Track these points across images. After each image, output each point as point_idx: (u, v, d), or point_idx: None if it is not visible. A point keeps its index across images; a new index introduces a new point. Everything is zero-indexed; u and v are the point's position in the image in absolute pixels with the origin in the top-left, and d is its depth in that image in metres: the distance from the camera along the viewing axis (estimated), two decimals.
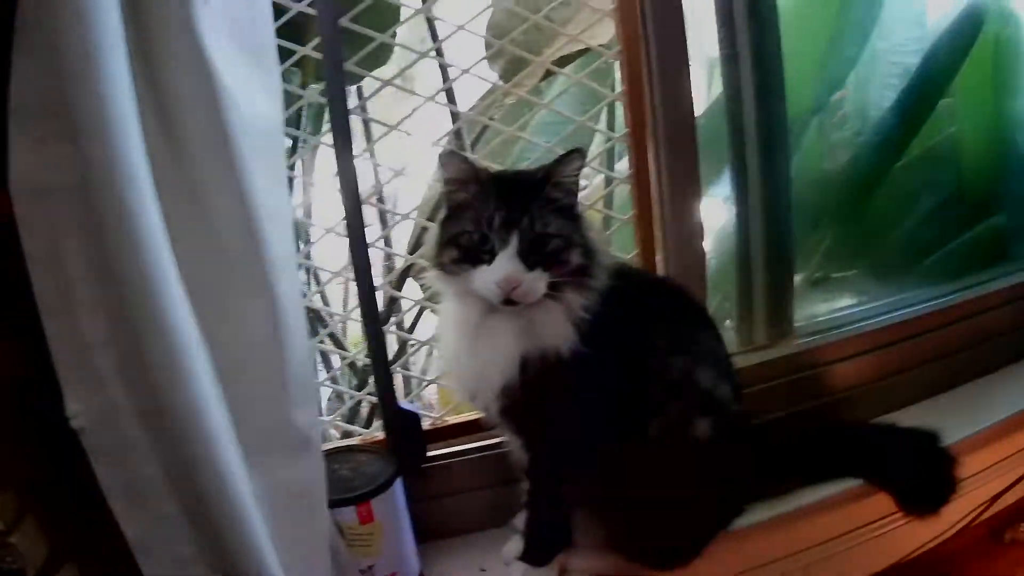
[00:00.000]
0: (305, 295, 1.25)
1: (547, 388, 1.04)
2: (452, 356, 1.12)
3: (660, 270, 1.35)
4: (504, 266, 0.97)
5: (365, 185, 1.23)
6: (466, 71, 1.25)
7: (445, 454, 1.31)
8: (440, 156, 1.04)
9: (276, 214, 0.90)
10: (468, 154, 1.12)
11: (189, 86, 0.81)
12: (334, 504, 1.12)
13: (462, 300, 1.06)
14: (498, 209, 0.99)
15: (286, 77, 1.43)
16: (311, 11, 1.13)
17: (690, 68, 1.28)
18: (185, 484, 0.86)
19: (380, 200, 1.53)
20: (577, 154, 1.02)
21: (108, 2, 0.72)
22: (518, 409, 1.07)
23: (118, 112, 0.74)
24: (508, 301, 0.98)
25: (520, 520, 1.23)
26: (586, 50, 1.34)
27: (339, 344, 1.65)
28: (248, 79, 0.90)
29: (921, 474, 1.30)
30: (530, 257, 0.98)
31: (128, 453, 0.86)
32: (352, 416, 1.63)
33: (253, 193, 0.85)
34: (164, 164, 0.82)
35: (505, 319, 1.03)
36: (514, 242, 0.98)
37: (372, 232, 1.28)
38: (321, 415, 1.36)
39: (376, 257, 1.46)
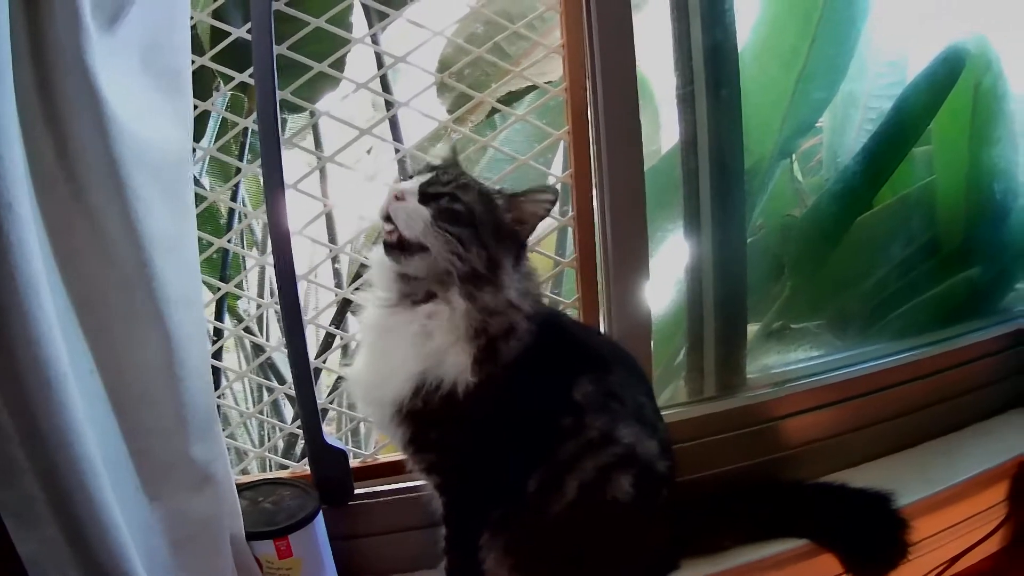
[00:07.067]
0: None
1: (439, 423, 1.01)
2: (357, 360, 1.09)
3: (603, 317, 1.31)
4: (404, 182, 1.01)
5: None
6: (403, 104, 1.23)
7: (375, 492, 1.27)
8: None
9: (175, 245, 0.88)
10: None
11: (81, 114, 0.80)
12: (252, 537, 1.10)
13: (377, 285, 1.05)
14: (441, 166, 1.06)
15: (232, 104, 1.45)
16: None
17: (638, 108, 1.24)
18: (64, 510, 0.85)
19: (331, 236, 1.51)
20: (550, 192, 1.02)
21: None
22: (416, 442, 1.04)
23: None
24: (389, 222, 0.98)
25: None
26: (535, 87, 1.31)
27: (279, 376, 1.63)
28: (157, 107, 0.89)
29: (869, 536, 1.26)
30: (428, 196, 0.99)
31: (14, 475, 0.84)
32: (290, 449, 1.60)
33: (145, 223, 0.84)
34: (60, 193, 0.81)
35: (403, 319, 1.01)
36: (425, 177, 1.01)
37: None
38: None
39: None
